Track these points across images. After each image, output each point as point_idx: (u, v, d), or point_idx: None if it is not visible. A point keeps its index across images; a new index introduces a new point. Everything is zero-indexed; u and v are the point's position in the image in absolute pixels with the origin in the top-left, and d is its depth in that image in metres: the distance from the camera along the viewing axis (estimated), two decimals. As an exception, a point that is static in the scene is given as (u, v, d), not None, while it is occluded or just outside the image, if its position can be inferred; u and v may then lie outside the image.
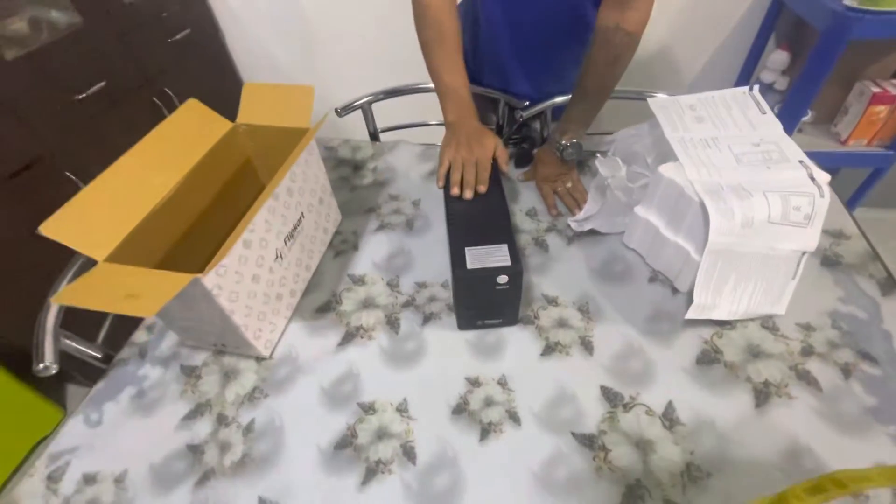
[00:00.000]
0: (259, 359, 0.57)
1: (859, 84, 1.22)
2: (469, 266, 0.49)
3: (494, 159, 0.61)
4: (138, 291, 0.40)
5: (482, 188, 0.58)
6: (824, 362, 0.52)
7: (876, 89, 1.18)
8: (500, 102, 0.88)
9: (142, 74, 1.31)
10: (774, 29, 1.38)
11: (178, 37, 1.39)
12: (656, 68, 1.52)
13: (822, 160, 1.31)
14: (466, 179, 0.59)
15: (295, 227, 0.59)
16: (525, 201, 0.75)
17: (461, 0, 0.84)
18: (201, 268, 0.43)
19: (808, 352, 0.53)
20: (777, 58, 1.34)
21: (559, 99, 0.83)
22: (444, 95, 0.68)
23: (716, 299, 0.53)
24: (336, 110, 0.86)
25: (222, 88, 1.65)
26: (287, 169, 0.53)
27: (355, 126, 0.98)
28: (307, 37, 1.62)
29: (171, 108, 1.37)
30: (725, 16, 1.41)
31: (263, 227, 0.52)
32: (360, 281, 0.65)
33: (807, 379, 0.50)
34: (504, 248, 0.51)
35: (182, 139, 0.59)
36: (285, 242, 0.57)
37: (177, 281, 0.41)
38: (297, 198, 0.59)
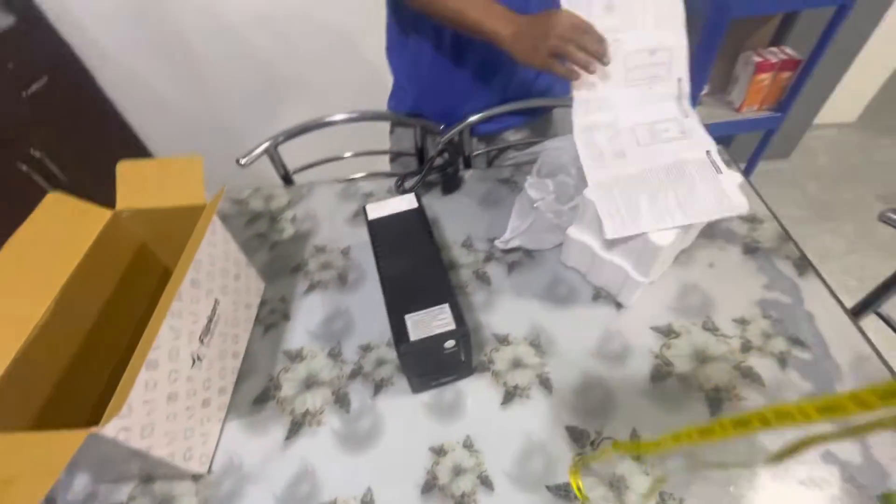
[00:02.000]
0: (197, 476, 0.50)
1: (743, 55, 1.31)
2: (412, 338, 0.46)
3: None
4: (11, 472, 0.32)
5: (605, 59, 0.53)
6: (762, 355, 0.54)
7: (758, 59, 1.27)
8: (416, 128, 0.84)
9: (-4, 139, 1.12)
10: (662, 8, 1.44)
11: (33, 88, 1.20)
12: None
13: (724, 129, 1.41)
14: (585, 59, 0.53)
15: (210, 320, 0.52)
16: (459, 232, 0.72)
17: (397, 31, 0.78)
18: (102, 400, 0.36)
19: (746, 347, 0.55)
20: (669, 36, 1.40)
21: (474, 118, 0.80)
22: (483, 20, 0.60)
23: (636, 218, 0.52)
24: (238, 161, 0.78)
25: (106, 138, 1.47)
26: (186, 265, 0.46)
27: (264, 169, 0.90)
28: (194, 66, 1.47)
29: (47, 173, 1.19)
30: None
31: (170, 337, 0.45)
32: (297, 357, 0.59)
33: (750, 376, 0.53)
34: (446, 308, 0.48)
35: (49, 245, 0.50)
36: (202, 341, 0.50)
37: (64, 446, 0.34)
38: (207, 286, 0.52)
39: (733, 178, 0.53)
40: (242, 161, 0.78)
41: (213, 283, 0.53)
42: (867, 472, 0.45)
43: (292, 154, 0.91)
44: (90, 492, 0.50)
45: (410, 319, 0.47)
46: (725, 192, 0.52)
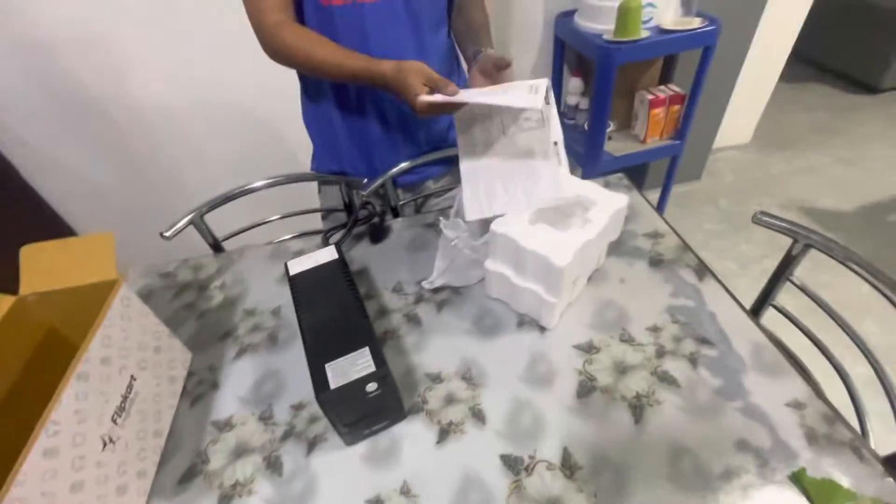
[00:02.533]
0: (112, 576, 0.46)
1: (638, 94, 1.48)
2: (332, 385, 0.46)
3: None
4: None
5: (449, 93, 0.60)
6: (675, 358, 0.58)
7: (650, 96, 1.43)
8: (341, 185, 0.88)
9: None
10: (565, 60, 1.61)
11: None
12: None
13: (633, 159, 1.54)
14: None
15: (125, 398, 0.50)
16: (389, 278, 0.74)
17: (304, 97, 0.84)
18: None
19: (661, 352, 0.59)
20: (573, 84, 1.56)
21: (393, 171, 0.85)
22: (358, 75, 0.67)
23: (492, 202, 0.63)
24: (161, 234, 0.77)
25: (33, 226, 1.41)
26: (89, 341, 0.45)
27: (194, 241, 0.90)
28: (119, 142, 1.46)
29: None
30: (523, 53, 1.62)
31: (73, 419, 0.43)
32: (226, 426, 0.57)
33: (667, 379, 0.56)
34: (366, 351, 0.49)
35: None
36: (115, 421, 0.47)
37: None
38: (120, 363, 0.50)
39: (565, 170, 0.63)
40: (167, 234, 0.77)
41: (127, 359, 0.51)
42: (777, 454, 0.48)
43: (224, 222, 0.91)
44: None
45: (330, 368, 0.47)
46: (559, 182, 0.61)
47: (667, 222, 0.78)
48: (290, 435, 0.55)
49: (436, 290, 0.70)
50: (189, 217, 0.79)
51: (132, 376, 0.52)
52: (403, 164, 0.85)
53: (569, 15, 1.45)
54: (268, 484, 0.51)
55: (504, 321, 0.65)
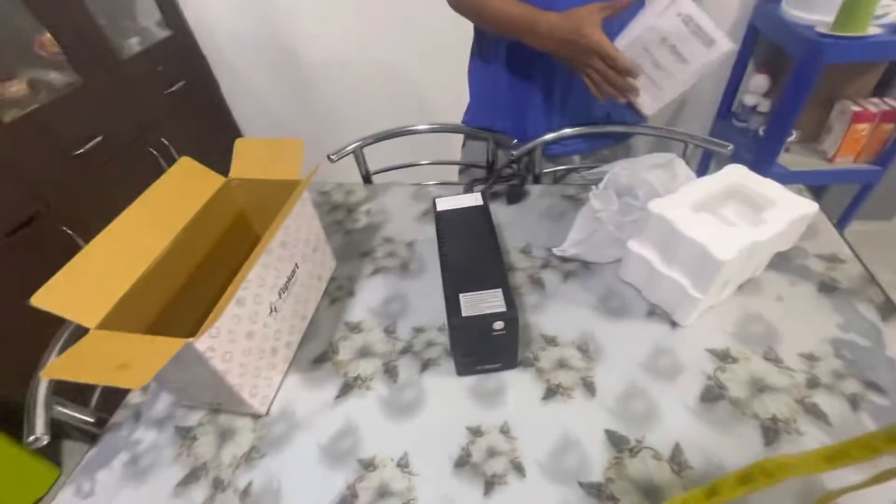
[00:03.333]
0: (255, 416, 0.55)
1: (839, 104, 1.25)
2: (464, 314, 0.49)
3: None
4: (128, 360, 0.39)
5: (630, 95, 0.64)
6: (831, 394, 0.51)
7: (856, 108, 1.20)
8: (489, 142, 0.90)
9: (138, 127, 1.34)
10: (752, 54, 1.42)
11: (173, 88, 1.43)
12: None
13: (812, 178, 1.34)
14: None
15: (289, 279, 0.59)
16: (519, 238, 0.75)
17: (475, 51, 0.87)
18: (196, 327, 0.43)
19: (813, 383, 0.52)
20: (757, 82, 1.37)
21: (548, 136, 0.84)
22: (522, 25, 0.68)
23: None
24: (329, 157, 0.87)
25: (218, 137, 1.69)
26: (279, 223, 0.54)
27: (349, 170, 1.00)
28: (302, 85, 1.67)
29: (169, 158, 1.40)
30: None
31: (257, 282, 0.52)
32: (356, 328, 0.64)
33: (815, 412, 0.49)
34: (499, 292, 0.51)
35: (175, 198, 0.60)
36: (280, 295, 0.57)
37: (168, 347, 0.40)
38: (291, 249, 0.59)
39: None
40: (333, 157, 0.87)
41: (296, 248, 0.60)
42: None
43: (375, 157, 1.00)
44: (168, 413, 0.57)
45: (464, 298, 0.51)
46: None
47: (852, 249, 0.67)
48: (409, 351, 0.60)
49: (564, 260, 0.70)
50: (355, 145, 0.88)
51: (296, 264, 0.60)
52: (566, 131, 0.84)
53: (775, 1, 1.26)
54: (384, 386, 0.57)
55: (632, 307, 0.63)
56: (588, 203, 0.66)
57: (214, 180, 0.64)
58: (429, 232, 0.73)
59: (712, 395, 0.52)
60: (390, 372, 0.58)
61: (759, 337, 0.57)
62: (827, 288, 0.62)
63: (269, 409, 0.56)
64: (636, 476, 0.46)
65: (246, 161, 0.66)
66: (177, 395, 0.57)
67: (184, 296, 0.58)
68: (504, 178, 0.81)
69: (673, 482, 0.45)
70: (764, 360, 0.55)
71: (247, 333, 0.51)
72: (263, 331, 0.54)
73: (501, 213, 0.80)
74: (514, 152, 0.82)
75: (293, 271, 0.59)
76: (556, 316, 0.62)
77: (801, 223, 0.56)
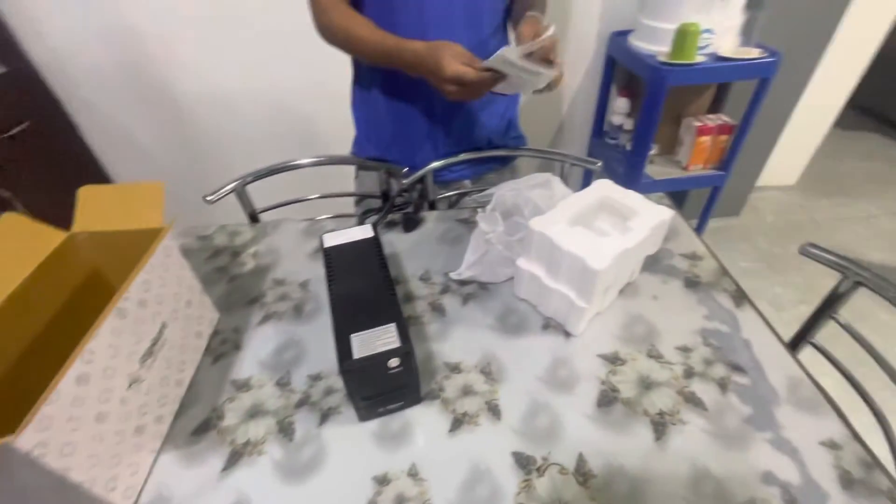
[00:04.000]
0: (119, 513, 0.46)
1: (685, 120, 1.46)
2: (356, 355, 0.46)
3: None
4: None
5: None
6: (704, 381, 0.56)
7: (698, 123, 1.41)
8: (381, 172, 0.89)
9: (-35, 178, 1.13)
10: (613, 79, 1.61)
11: (14, 131, 1.23)
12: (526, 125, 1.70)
13: (672, 185, 1.51)
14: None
15: (155, 343, 0.51)
16: (417, 266, 0.74)
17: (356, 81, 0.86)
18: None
19: (689, 373, 0.57)
20: (620, 103, 1.55)
21: (436, 164, 0.86)
22: (391, 53, 0.69)
23: None
24: (205, 198, 0.80)
25: (82, 185, 1.48)
26: (132, 280, 0.47)
27: (233, 210, 0.92)
28: (177, 121, 1.53)
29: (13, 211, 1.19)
30: (572, 71, 1.62)
31: (108, 353, 0.44)
32: (244, 386, 0.58)
33: (693, 401, 0.54)
34: (392, 328, 0.49)
35: (0, 259, 0.49)
36: (142, 363, 0.49)
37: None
38: (155, 308, 0.52)
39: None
40: (209, 198, 0.80)
41: (161, 306, 0.53)
42: (806, 493, 0.45)
43: (261, 195, 0.94)
44: (-2, 532, 0.46)
45: (356, 339, 0.48)
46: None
47: (706, 246, 0.76)
48: (305, 403, 0.55)
49: (462, 283, 0.70)
50: (234, 184, 0.82)
51: (163, 323, 0.53)
52: (453, 158, 0.86)
53: (624, 34, 1.44)
54: (278, 447, 0.51)
55: (529, 322, 0.64)
56: (477, 228, 0.67)
57: (51, 236, 0.54)
58: (323, 270, 0.69)
59: (607, 399, 0.54)
60: (285, 430, 0.53)
61: (641, 336, 0.61)
62: (691, 283, 0.69)
63: (136, 501, 0.47)
64: (545, 495, 0.46)
65: (94, 211, 0.57)
66: (7, 508, 0.46)
67: (21, 376, 0.47)
68: (398, 207, 0.80)
69: (580, 494, 0.46)
70: (648, 357, 0.59)
71: (96, 416, 0.42)
72: (121, 409, 0.45)
73: (399, 241, 0.79)
74: (405, 181, 0.82)
75: (159, 333, 0.52)
76: (459, 341, 0.62)
77: (661, 228, 0.62)
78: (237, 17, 1.36)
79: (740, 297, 0.67)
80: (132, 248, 0.54)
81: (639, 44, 1.35)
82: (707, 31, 1.23)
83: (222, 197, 0.81)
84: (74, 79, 1.39)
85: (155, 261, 0.52)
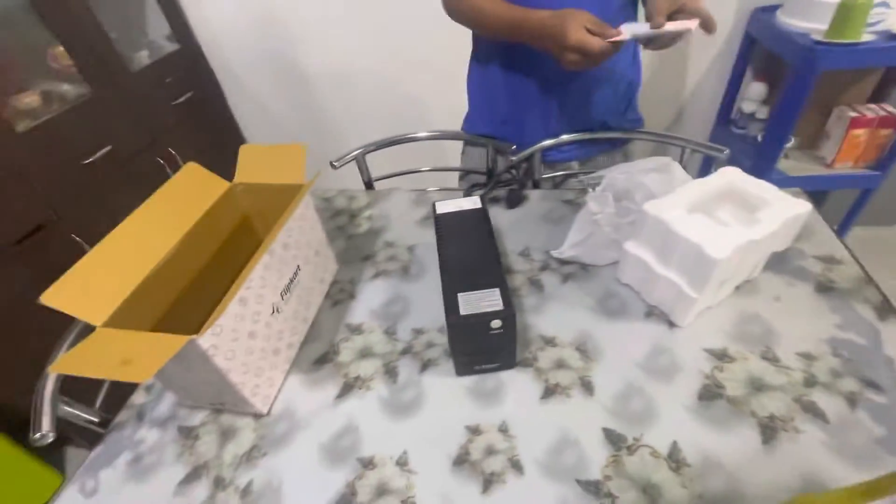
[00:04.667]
0: (257, 416, 0.56)
1: (837, 110, 1.26)
2: (462, 312, 0.50)
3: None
4: (133, 356, 0.40)
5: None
6: (828, 392, 0.51)
7: (853, 114, 1.21)
8: (488, 148, 0.91)
9: (147, 137, 1.37)
10: (750, 62, 1.44)
11: (180, 100, 1.47)
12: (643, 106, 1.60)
13: (811, 183, 1.34)
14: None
15: (291, 281, 0.60)
16: (517, 242, 0.76)
17: (475, 56, 0.89)
18: (199, 327, 0.44)
19: (811, 382, 0.52)
20: (755, 89, 1.39)
21: (546, 142, 0.86)
22: (514, 23, 0.70)
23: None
24: (331, 163, 0.89)
25: (224, 146, 1.72)
26: (282, 225, 0.55)
27: (351, 177, 1.02)
28: (306, 95, 1.70)
29: (176, 167, 1.43)
30: (702, 50, 1.48)
31: (259, 283, 0.53)
32: (357, 330, 0.65)
33: (813, 411, 0.49)
34: (496, 291, 0.52)
35: (181, 201, 0.61)
36: (282, 296, 0.58)
37: (172, 344, 0.41)
38: (294, 251, 0.60)
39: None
40: (336, 163, 0.89)
41: (298, 250, 0.62)
42: None
43: (377, 165, 1.02)
44: (171, 414, 0.58)
45: (462, 297, 0.51)
46: None
47: (849, 249, 0.67)
48: (409, 352, 0.61)
49: (563, 262, 0.71)
50: (358, 151, 0.90)
51: (298, 266, 0.62)
52: (564, 137, 0.85)
53: (770, 10, 1.28)
54: (383, 386, 0.57)
55: (631, 308, 0.63)
56: (586, 206, 0.67)
57: (219, 185, 0.66)
58: (429, 237, 0.74)
59: (710, 393, 0.52)
60: (390, 372, 0.59)
61: (756, 337, 0.57)
62: (824, 288, 0.62)
63: (270, 409, 0.56)
64: (634, 474, 0.46)
65: (250, 166, 0.68)
66: (180, 396, 0.58)
67: (189, 296, 0.59)
68: (503, 184, 0.82)
69: (671, 479, 0.45)
70: (761, 359, 0.55)
71: (249, 332, 0.52)
72: (266, 331, 0.55)
73: (501, 217, 0.81)
74: (513, 158, 0.83)
75: (295, 273, 0.61)
76: (555, 317, 0.63)
77: (795, 223, 0.57)
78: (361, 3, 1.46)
79: (887, 310, 0.59)
80: (277, 199, 0.63)
81: (789, 20, 1.18)
82: (881, 3, 1.04)
83: (347, 162, 0.89)
84: (227, 57, 1.61)
85: (298, 211, 0.60)
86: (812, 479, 0.44)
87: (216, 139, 1.66)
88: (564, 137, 0.86)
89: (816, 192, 1.51)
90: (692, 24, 0.61)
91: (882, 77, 1.28)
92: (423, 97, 1.65)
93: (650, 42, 0.65)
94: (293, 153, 0.66)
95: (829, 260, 0.66)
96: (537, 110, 0.84)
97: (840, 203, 1.49)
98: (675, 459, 0.47)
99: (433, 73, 1.57)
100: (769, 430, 0.48)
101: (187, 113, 1.49)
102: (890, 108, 1.21)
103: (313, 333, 0.65)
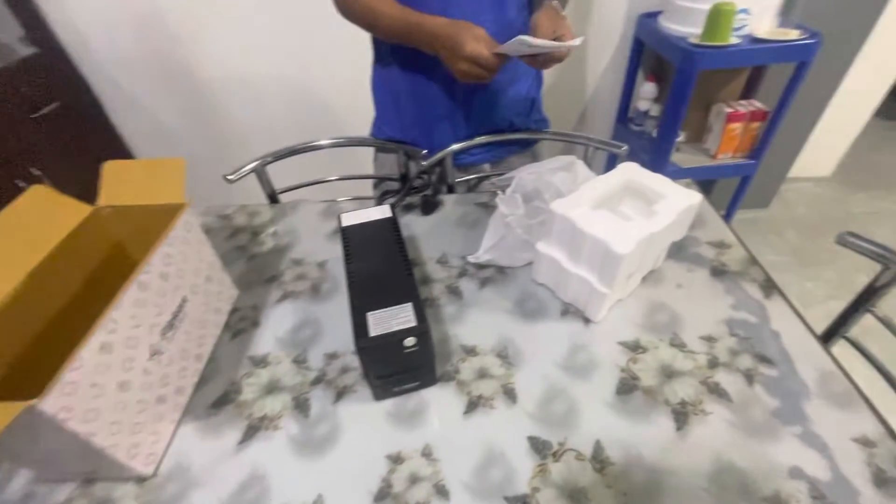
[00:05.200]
0: (141, 479, 0.48)
1: (716, 106, 1.40)
2: (372, 333, 0.46)
3: None
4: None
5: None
6: (729, 371, 0.54)
7: (729, 109, 1.35)
8: (399, 154, 0.88)
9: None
10: (641, 63, 1.55)
11: (44, 111, 1.26)
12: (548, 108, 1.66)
13: (700, 174, 1.47)
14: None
15: (175, 316, 0.52)
16: (435, 248, 0.73)
17: (378, 58, 0.85)
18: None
19: (714, 363, 0.55)
20: (647, 88, 1.50)
21: (456, 146, 0.84)
22: (412, 29, 0.68)
23: None
24: (226, 177, 0.80)
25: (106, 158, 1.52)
26: (153, 253, 0.47)
27: (253, 190, 0.93)
28: (199, 102, 1.55)
29: (40, 189, 1.23)
30: (598, 54, 1.57)
31: (130, 323, 0.45)
32: (262, 362, 0.58)
33: (717, 392, 0.52)
34: (408, 307, 0.48)
35: (27, 231, 0.50)
36: (163, 335, 0.49)
37: (1, 414, 0.33)
38: (176, 281, 0.52)
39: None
40: (230, 177, 0.80)
41: (182, 280, 0.54)
42: (836, 489, 0.43)
43: (280, 175, 0.94)
44: (28, 492, 0.48)
45: (372, 317, 0.47)
46: None
47: (735, 234, 0.73)
48: (321, 381, 0.56)
49: (480, 267, 0.69)
50: (255, 164, 0.82)
51: (184, 297, 0.54)
52: (474, 140, 0.84)
53: (653, 16, 1.39)
54: (294, 423, 0.52)
55: (547, 307, 0.63)
56: (496, 210, 0.66)
57: (77, 209, 0.55)
58: (342, 249, 0.69)
59: (627, 386, 0.53)
60: (301, 406, 0.53)
61: (664, 325, 0.60)
62: (718, 272, 0.67)
63: (157, 468, 0.48)
64: (560, 481, 0.45)
65: (118, 186, 0.58)
66: (36, 470, 0.48)
67: (46, 345, 0.49)
68: (416, 190, 0.79)
69: (596, 481, 0.45)
70: (670, 346, 0.57)
71: (119, 384, 0.43)
72: (143, 378, 0.46)
73: (417, 224, 0.78)
74: (424, 163, 0.81)
75: (180, 306, 0.53)
76: (475, 325, 0.61)
77: (689, 213, 0.60)
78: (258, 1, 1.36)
79: (770, 287, 0.64)
80: (155, 222, 0.54)
81: (669, 25, 1.29)
82: (743, 10, 1.17)
83: (243, 176, 0.81)
84: (101, 60, 1.42)
85: (176, 234, 0.52)
86: (722, 459, 0.46)
87: (96, 155, 1.45)
88: (474, 141, 0.85)
89: (705, 181, 1.67)
90: (575, 42, 0.63)
91: (749, 75, 1.45)
92: (331, 101, 1.57)
93: (534, 59, 0.67)
94: (170, 168, 0.58)
95: (720, 245, 0.71)
96: (444, 114, 0.82)
97: (725, 190, 1.65)
98: (598, 460, 0.47)
99: (339, 75, 1.51)
100: (681, 415, 0.50)
101: (54, 127, 1.29)
102: (758, 104, 1.37)
103: (210, 372, 0.57)
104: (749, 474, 0.45)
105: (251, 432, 0.51)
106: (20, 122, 1.21)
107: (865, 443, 0.47)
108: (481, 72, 0.64)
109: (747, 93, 1.47)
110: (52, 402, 0.36)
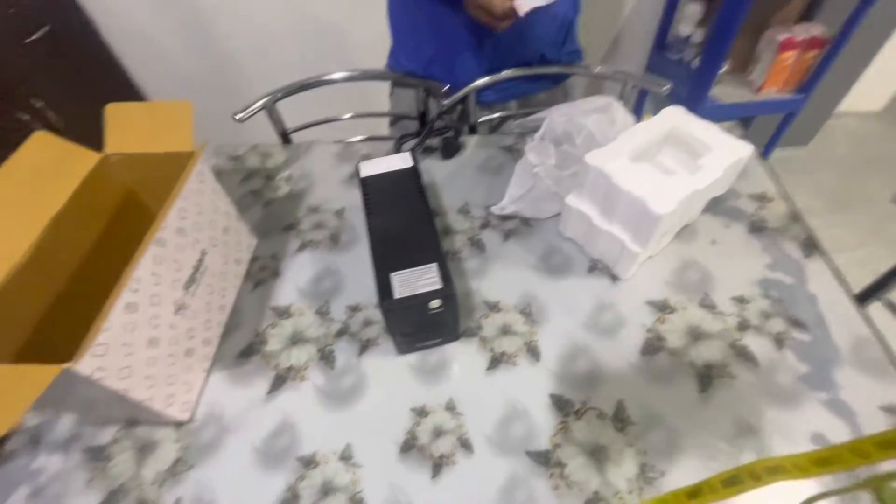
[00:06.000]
0: (179, 424, 0.50)
1: (768, 32, 1.25)
2: (397, 295, 0.45)
3: None
4: (-19, 403, 0.32)
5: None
6: (759, 334, 0.53)
7: (783, 36, 1.21)
8: (418, 89, 0.81)
9: (-4, 86, 1.10)
10: (687, -20, 1.37)
11: (36, 36, 1.18)
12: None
13: (741, 111, 1.36)
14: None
15: (196, 270, 0.51)
16: (456, 197, 0.70)
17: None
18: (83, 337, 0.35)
19: (743, 326, 0.53)
20: (691, 8, 1.34)
21: (482, 81, 0.77)
22: None
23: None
24: (234, 116, 0.76)
25: (114, 92, 1.45)
26: (168, 208, 0.45)
27: (264, 128, 0.88)
28: (199, 28, 1.43)
29: (47, 122, 1.19)
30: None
31: (151, 281, 0.44)
32: (285, 313, 0.59)
33: (744, 355, 0.51)
34: (433, 267, 0.47)
35: (34, 183, 0.49)
36: (186, 290, 0.49)
37: (37, 378, 0.33)
38: (193, 236, 0.51)
39: None
40: (238, 116, 0.76)
41: (199, 233, 0.52)
42: (856, 455, 0.44)
43: (292, 113, 0.89)
44: (74, 433, 0.50)
45: (396, 277, 0.46)
46: None
47: (780, 186, 0.68)
48: (345, 333, 0.56)
49: (504, 218, 0.66)
50: (264, 100, 0.77)
51: (203, 251, 0.53)
52: (500, 74, 0.77)
53: (707, -80, 1.20)
54: (320, 374, 0.53)
55: (574, 263, 0.61)
56: (524, 157, 0.61)
57: (84, 157, 0.53)
58: (359, 197, 0.67)
59: (652, 347, 0.52)
60: (326, 358, 0.54)
61: (694, 284, 0.58)
62: (756, 228, 0.63)
63: (192, 415, 0.50)
64: (582, 439, 0.46)
65: (123, 131, 0.55)
66: (81, 414, 0.50)
67: (67, 304, 0.49)
68: (437, 132, 0.74)
69: (616, 440, 0.46)
70: (700, 307, 0.56)
71: (148, 341, 0.44)
72: (171, 333, 0.47)
73: (437, 170, 0.75)
74: (445, 101, 0.75)
75: (199, 260, 0.52)
76: (498, 280, 0.60)
77: (736, 167, 0.55)
78: None
79: (811, 246, 0.61)
80: (166, 169, 0.52)
81: (726, -68, 1.12)
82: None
83: (252, 115, 0.77)
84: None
85: (189, 187, 0.50)
86: (743, 422, 0.46)
87: (95, 82, 1.38)
88: (501, 75, 0.78)
89: (743, 118, 1.54)
90: None
91: (810, -6, 1.28)
92: (341, 29, 1.44)
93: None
94: (176, 112, 0.54)
95: (762, 198, 0.66)
96: (468, 44, 0.74)
97: (764, 126, 1.54)
98: (620, 419, 0.47)
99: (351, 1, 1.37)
100: (706, 378, 0.50)
101: (47, 52, 1.21)
102: (817, 29, 1.22)
103: (234, 323, 0.58)
104: (768, 438, 0.45)
105: (279, 382, 0.52)
106: (13, 49, 1.14)
107: (894, 411, 0.46)
108: (491, 21, 0.57)
109: (807, 15, 1.30)
110: (85, 364, 0.37)
